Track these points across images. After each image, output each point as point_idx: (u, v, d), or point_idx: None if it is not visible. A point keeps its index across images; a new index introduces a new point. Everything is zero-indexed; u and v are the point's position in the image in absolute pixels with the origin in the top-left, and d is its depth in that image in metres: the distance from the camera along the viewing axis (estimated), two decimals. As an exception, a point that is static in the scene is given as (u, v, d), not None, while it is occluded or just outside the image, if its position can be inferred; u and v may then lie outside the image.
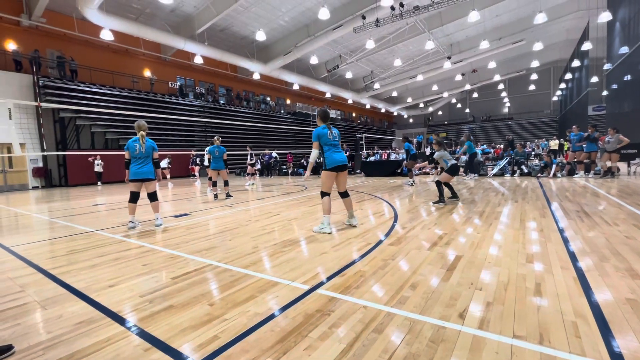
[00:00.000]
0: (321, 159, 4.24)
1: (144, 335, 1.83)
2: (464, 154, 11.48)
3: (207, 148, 8.39)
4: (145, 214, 6.09)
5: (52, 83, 15.37)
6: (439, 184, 6.00)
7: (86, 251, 3.71)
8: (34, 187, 15.19)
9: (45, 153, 12.98)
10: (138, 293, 2.43)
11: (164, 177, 15.06)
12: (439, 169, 6.95)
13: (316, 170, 18.37)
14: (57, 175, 15.95)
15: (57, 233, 4.83)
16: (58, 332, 1.91)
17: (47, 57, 16.41)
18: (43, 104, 12.63)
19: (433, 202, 6.02)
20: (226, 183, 8.42)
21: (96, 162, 15.35)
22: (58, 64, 16.28)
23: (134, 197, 4.89)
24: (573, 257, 2.83)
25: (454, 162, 5.93)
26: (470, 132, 40.45)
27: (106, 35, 15.29)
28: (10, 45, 15.32)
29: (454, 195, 6.18)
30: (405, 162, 10.19)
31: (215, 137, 8.29)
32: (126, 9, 17.21)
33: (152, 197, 4.99)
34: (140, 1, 16.89)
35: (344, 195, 4.32)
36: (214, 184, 8.26)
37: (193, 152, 19.57)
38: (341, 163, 4.10)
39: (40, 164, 15.49)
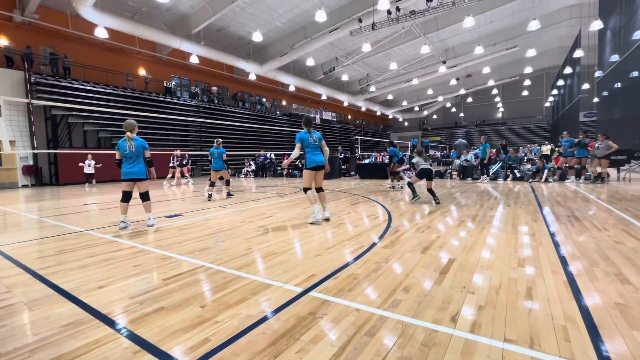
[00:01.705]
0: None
1: (133, 337, 1.80)
2: (478, 156, 11.77)
3: (210, 150, 8.59)
4: (137, 214, 6.02)
5: (44, 80, 15.15)
6: (409, 184, 7.01)
7: (76, 251, 3.65)
8: (24, 186, 14.94)
9: (35, 151, 12.76)
10: (128, 294, 2.40)
11: (183, 175, 14.07)
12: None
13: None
14: (47, 174, 15.70)
15: (46, 232, 4.75)
16: (45, 334, 1.87)
17: (40, 53, 16.18)
18: (34, 101, 12.43)
19: (410, 200, 6.85)
20: (227, 182, 8.69)
21: (87, 162, 13.99)
22: (51, 60, 16.06)
23: (126, 197, 4.85)
24: (564, 262, 2.87)
25: (424, 166, 6.57)
26: (465, 135, 40.85)
27: (101, 33, 15.11)
28: (2, 41, 15.07)
29: (435, 198, 6.67)
30: (389, 166, 10.21)
31: (217, 139, 8.48)
32: (121, 7, 17.06)
33: (144, 197, 4.94)
34: (136, -1, 16.78)
35: (320, 190, 5.07)
36: (212, 185, 8.26)
37: (178, 152, 18.21)
38: (318, 164, 4.82)
39: (31, 162, 15.23)
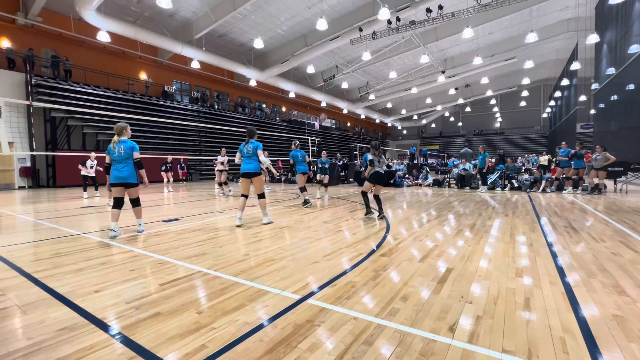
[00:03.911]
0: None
1: (129, 343, 1.78)
2: (477, 165, 11.81)
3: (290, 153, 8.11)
4: (133, 219, 5.97)
5: (45, 82, 15.19)
6: (363, 194, 5.73)
7: (72, 254, 3.62)
8: (20, 187, 14.85)
9: (34, 153, 12.71)
10: (124, 299, 2.38)
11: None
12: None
13: (310, 179, 18.36)
14: (45, 176, 15.63)
15: (42, 235, 4.71)
16: (39, 338, 1.85)
17: (42, 56, 16.25)
18: (34, 103, 12.44)
19: (364, 215, 5.79)
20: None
21: (89, 163, 10.39)
22: (52, 63, 16.11)
23: (117, 203, 4.53)
24: (561, 272, 2.87)
25: (377, 169, 5.49)
26: (466, 143, 41.02)
27: (103, 37, 15.21)
28: (4, 43, 15.14)
29: (379, 210, 5.57)
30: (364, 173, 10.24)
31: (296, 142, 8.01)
32: (124, 12, 17.21)
33: (135, 202, 4.71)
34: (139, 4, 16.92)
35: (260, 196, 5.30)
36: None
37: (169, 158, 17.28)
38: (244, 171, 5.15)
39: (28, 164, 15.17)
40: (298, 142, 8.03)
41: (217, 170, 10.90)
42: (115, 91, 18.38)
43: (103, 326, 1.98)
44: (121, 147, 4.48)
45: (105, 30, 15.18)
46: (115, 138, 4.54)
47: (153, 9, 17.04)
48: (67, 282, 2.76)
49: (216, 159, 11.11)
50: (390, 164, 15.43)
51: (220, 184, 10.90)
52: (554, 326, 1.91)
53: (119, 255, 3.57)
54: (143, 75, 21.04)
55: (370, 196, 5.96)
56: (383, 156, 5.71)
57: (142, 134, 18.32)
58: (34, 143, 14.76)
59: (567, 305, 2.19)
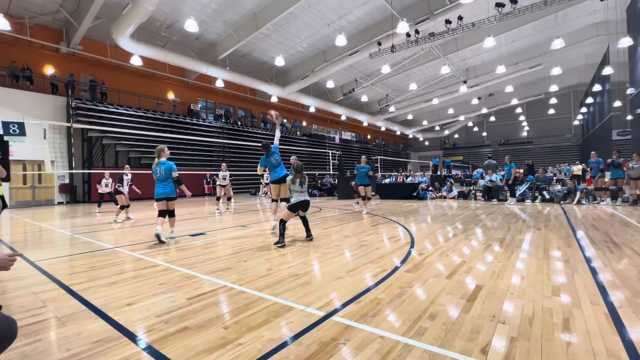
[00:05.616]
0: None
1: (159, 357, 1.83)
2: (505, 176, 11.49)
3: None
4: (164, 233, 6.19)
5: (84, 105, 16.34)
6: (281, 222, 4.83)
7: (106, 268, 3.79)
8: (59, 203, 15.83)
9: (73, 171, 13.58)
10: (154, 313, 2.45)
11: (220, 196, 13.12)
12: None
13: (331, 192, 18.35)
14: (81, 192, 16.61)
15: (78, 249, 4.97)
16: (76, 350, 1.93)
17: (81, 81, 17.56)
18: (75, 125, 13.39)
19: (274, 243, 4.83)
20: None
21: (104, 181, 10.01)
22: (90, 87, 17.37)
23: (161, 213, 5.41)
24: (603, 291, 2.68)
25: (302, 198, 4.92)
26: (490, 154, 39.75)
27: (136, 61, 16.28)
28: (49, 70, 16.52)
29: (308, 235, 5.15)
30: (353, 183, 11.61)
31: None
32: (155, 37, 18.35)
33: (172, 213, 5.61)
34: (168, 29, 18.01)
35: (282, 199, 6.09)
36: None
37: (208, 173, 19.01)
38: (275, 178, 6.14)
39: (67, 181, 16.20)
40: (295, 157, 8.63)
41: (219, 185, 10.82)
42: (146, 111, 19.44)
43: (135, 339, 2.05)
44: (162, 169, 5.32)
45: (137, 54, 16.25)
46: (156, 160, 5.41)
47: (181, 33, 18.07)
48: (102, 294, 2.88)
49: (217, 175, 10.99)
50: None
51: (218, 199, 10.74)
52: (598, 351, 1.78)
53: (149, 269, 3.69)
54: (171, 95, 22.16)
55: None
56: (302, 175, 5.03)
57: (169, 150, 19.12)
58: (73, 161, 15.77)
59: (612, 328, 2.04)
